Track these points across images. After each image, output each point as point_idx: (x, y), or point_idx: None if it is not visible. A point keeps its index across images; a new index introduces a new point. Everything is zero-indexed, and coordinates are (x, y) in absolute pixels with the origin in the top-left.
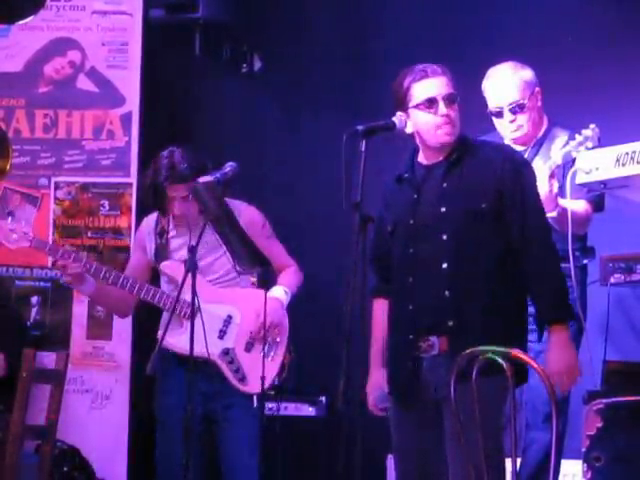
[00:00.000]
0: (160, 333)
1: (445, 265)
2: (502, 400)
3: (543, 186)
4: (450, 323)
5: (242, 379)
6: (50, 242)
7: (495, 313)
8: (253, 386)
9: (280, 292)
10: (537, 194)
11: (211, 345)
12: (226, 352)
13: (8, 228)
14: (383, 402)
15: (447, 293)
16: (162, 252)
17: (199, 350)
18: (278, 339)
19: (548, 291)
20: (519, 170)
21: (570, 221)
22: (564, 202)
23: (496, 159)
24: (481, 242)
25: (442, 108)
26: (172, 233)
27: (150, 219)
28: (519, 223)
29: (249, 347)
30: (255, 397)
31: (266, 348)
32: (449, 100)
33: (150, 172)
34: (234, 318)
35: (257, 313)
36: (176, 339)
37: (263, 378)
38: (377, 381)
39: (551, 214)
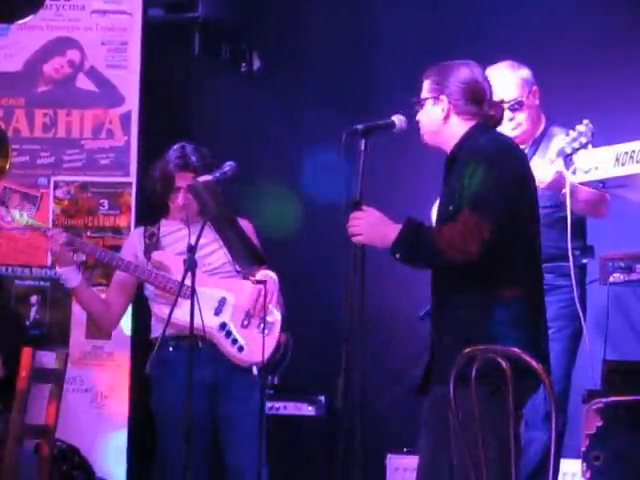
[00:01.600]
0: (158, 333)
1: (431, 272)
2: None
3: (547, 175)
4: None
5: (240, 349)
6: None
7: (468, 322)
8: (252, 355)
9: (269, 271)
10: (485, 183)
11: (208, 320)
12: (223, 326)
13: (4, 210)
14: None
15: (433, 301)
16: (151, 248)
17: (195, 323)
18: (271, 319)
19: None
20: (473, 161)
21: (577, 199)
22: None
23: (465, 157)
24: None
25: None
26: (163, 233)
27: (138, 230)
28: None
29: (245, 324)
30: (255, 368)
31: (261, 325)
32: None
33: (160, 163)
34: (228, 300)
35: (253, 292)
36: (175, 313)
37: (265, 374)
38: None
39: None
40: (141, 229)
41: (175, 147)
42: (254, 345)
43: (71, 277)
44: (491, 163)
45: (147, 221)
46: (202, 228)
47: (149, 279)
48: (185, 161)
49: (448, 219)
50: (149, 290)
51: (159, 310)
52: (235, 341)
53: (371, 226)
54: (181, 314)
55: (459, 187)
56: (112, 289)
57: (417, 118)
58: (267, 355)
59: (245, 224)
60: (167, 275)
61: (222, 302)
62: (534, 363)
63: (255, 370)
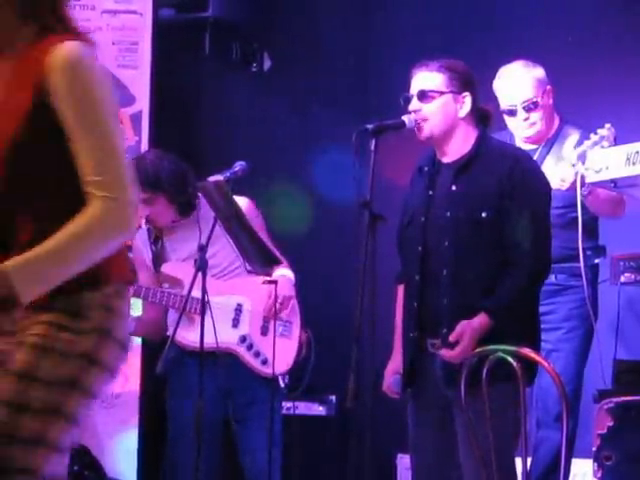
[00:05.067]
0: (170, 331)
1: (445, 272)
2: (512, 408)
3: (568, 176)
4: (444, 330)
5: (264, 362)
6: None
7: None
8: (276, 367)
9: (286, 271)
10: (542, 208)
11: (227, 335)
12: (243, 339)
13: None
14: (398, 386)
15: (445, 301)
16: (160, 257)
17: (213, 342)
18: (291, 319)
19: (502, 294)
20: (528, 182)
21: (597, 200)
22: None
23: (504, 167)
24: (480, 253)
25: (413, 104)
26: (166, 237)
27: (141, 232)
28: (513, 238)
29: (264, 330)
30: (281, 379)
31: (281, 329)
32: (418, 97)
33: None
34: (244, 305)
35: (266, 294)
36: (189, 334)
37: (276, 375)
38: (396, 365)
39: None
40: (144, 232)
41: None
42: (277, 354)
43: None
44: (540, 177)
45: None
46: (212, 229)
47: (156, 301)
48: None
49: (479, 225)
50: None
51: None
52: (258, 354)
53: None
54: (195, 336)
55: (494, 192)
56: (148, 309)
57: (422, 110)
58: (292, 361)
59: (244, 203)
60: (179, 292)
61: (238, 310)
62: (545, 364)
63: (282, 382)
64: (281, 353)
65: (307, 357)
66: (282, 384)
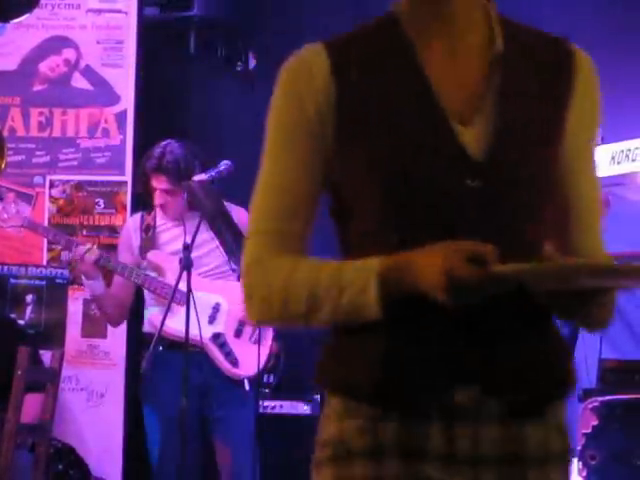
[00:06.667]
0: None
1: None
2: None
3: None
4: None
5: (234, 362)
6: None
7: None
8: (245, 369)
9: None
10: None
11: (202, 329)
12: (217, 336)
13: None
14: None
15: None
16: (148, 245)
17: (192, 333)
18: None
19: None
20: None
21: None
22: None
23: None
24: None
25: None
26: (160, 228)
27: (135, 218)
28: None
29: (238, 333)
30: (247, 381)
31: (256, 334)
32: None
33: (143, 159)
34: (222, 306)
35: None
36: (169, 322)
37: (258, 374)
38: None
39: None
40: (137, 219)
41: (160, 144)
42: (247, 358)
43: (97, 287)
44: None
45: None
46: (198, 227)
47: (144, 285)
48: (160, 163)
49: None
50: (145, 292)
51: (152, 316)
52: (229, 354)
53: None
54: (175, 324)
55: None
56: (118, 285)
57: None
58: (260, 366)
59: (239, 213)
60: (162, 280)
61: (216, 309)
62: None
63: (247, 385)
64: (252, 357)
65: (275, 366)
66: (247, 387)
